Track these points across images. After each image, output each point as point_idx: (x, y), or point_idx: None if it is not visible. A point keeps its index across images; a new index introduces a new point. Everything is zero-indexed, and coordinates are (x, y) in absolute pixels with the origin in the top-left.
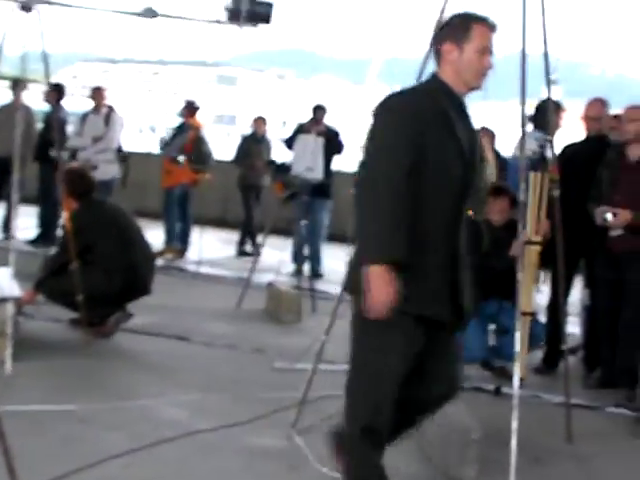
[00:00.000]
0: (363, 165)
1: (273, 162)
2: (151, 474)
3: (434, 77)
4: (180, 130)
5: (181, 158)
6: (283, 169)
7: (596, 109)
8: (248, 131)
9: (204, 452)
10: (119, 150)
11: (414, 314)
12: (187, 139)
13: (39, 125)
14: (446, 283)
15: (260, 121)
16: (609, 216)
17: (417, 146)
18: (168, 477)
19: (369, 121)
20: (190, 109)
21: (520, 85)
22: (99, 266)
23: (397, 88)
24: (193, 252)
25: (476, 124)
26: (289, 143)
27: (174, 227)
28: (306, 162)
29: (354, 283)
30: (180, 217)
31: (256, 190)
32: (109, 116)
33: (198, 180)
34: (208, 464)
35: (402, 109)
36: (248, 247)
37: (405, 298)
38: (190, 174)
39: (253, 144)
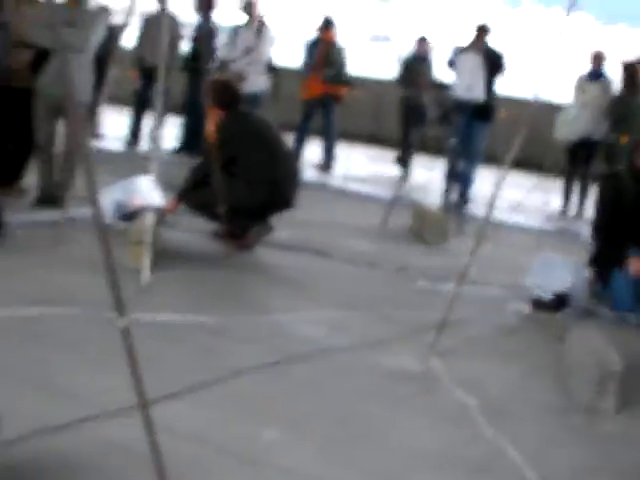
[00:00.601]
0: None
1: (436, 82)
2: (283, 391)
3: None
4: (314, 45)
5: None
6: (443, 88)
7: None
8: (407, 51)
9: (338, 371)
10: (269, 64)
11: None
12: (319, 53)
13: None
14: None
15: (423, 41)
16: None
17: None
18: (300, 395)
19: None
20: (326, 24)
21: None
22: (243, 178)
23: (555, 10)
24: (339, 168)
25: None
26: (450, 64)
27: (297, 140)
28: (465, 81)
29: None
30: (323, 131)
31: (419, 110)
32: (261, 29)
33: (339, 95)
34: (341, 385)
35: None
36: (401, 165)
37: None
38: (323, 87)
39: (416, 64)
